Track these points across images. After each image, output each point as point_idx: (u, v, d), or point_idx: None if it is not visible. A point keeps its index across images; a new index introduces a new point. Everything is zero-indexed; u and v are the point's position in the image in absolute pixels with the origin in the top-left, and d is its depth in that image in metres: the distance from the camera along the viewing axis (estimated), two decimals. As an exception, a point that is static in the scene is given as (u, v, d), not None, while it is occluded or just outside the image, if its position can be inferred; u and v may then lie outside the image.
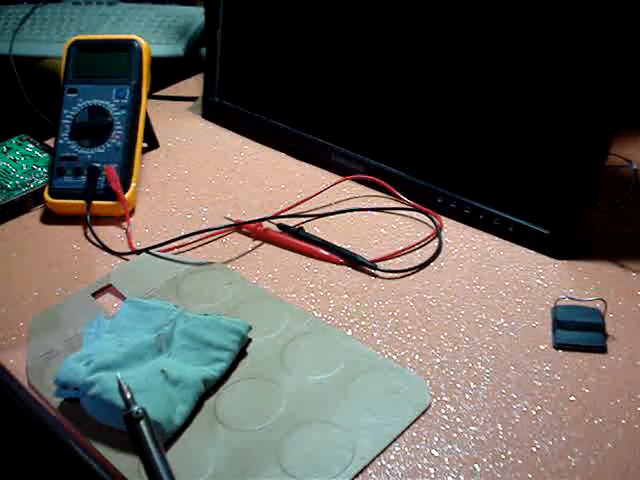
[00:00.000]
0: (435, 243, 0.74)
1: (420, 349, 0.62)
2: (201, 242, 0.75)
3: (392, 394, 0.57)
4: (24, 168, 0.84)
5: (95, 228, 0.76)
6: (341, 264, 0.72)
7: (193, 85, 1.04)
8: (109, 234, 0.76)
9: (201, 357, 0.59)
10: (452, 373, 0.60)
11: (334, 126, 0.85)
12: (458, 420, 0.56)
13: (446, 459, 0.53)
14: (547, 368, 0.60)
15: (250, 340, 0.62)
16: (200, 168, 0.87)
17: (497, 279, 0.69)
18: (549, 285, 0.68)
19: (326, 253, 0.72)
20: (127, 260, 0.73)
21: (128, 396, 0.51)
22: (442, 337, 0.63)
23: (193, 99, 1.00)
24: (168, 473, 0.48)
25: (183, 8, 1.20)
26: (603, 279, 0.69)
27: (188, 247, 0.74)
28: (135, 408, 0.50)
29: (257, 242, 0.75)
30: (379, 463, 0.53)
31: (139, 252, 0.73)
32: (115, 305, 0.68)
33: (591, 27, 0.65)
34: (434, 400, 0.57)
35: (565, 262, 0.71)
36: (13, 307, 0.68)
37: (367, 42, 0.80)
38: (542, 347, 0.62)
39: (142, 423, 0.49)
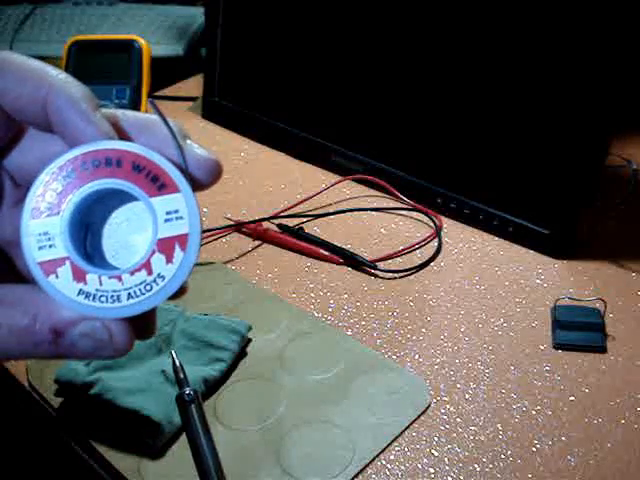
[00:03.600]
0: (435, 243, 0.74)
1: (420, 349, 0.62)
2: (201, 242, 0.75)
3: (392, 394, 0.57)
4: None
5: (95, 228, 0.76)
6: (341, 264, 0.72)
7: (193, 85, 1.04)
8: (109, 234, 0.76)
9: (201, 357, 0.59)
10: (452, 373, 0.60)
11: (334, 126, 0.85)
12: (458, 420, 0.56)
13: (446, 459, 0.53)
14: (547, 368, 0.60)
15: (250, 340, 0.62)
16: (200, 168, 0.87)
17: (497, 279, 0.69)
18: (549, 285, 0.68)
19: (326, 253, 0.72)
20: (127, 260, 0.73)
21: (182, 376, 0.49)
22: (442, 337, 0.63)
23: (193, 99, 1.00)
24: (214, 459, 0.46)
25: (183, 8, 1.20)
26: (603, 279, 0.69)
27: (188, 247, 0.74)
28: (187, 390, 0.48)
29: (257, 242, 0.75)
30: (379, 463, 0.53)
31: (139, 252, 0.73)
32: (115, 305, 0.68)
33: (590, 28, 0.65)
34: (434, 400, 0.57)
35: (565, 262, 0.71)
36: (13, 307, 0.67)
37: (367, 42, 0.80)
38: (542, 347, 0.62)
39: (193, 406, 0.48)
